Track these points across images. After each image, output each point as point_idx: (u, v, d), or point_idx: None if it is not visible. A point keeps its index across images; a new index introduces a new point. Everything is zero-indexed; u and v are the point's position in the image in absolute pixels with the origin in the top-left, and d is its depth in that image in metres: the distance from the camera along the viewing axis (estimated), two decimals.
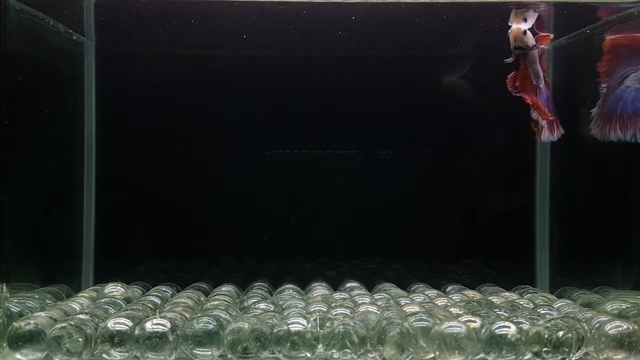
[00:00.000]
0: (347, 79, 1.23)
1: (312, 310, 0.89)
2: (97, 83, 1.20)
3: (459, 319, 0.81)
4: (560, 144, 1.19)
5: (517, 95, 0.99)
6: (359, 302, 0.95)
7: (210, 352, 0.79)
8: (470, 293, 1.04)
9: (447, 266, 1.23)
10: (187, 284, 1.08)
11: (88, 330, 0.79)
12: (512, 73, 0.98)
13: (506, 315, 0.88)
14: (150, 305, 0.91)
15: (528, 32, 0.95)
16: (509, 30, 0.95)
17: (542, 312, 0.89)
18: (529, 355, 0.79)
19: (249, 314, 0.86)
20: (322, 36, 1.14)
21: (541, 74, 0.98)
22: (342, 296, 0.99)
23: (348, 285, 1.08)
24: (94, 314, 0.84)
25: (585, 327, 0.81)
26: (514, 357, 0.78)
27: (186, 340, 0.79)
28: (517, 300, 0.99)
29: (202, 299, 0.99)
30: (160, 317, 0.80)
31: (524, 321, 0.82)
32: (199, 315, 0.84)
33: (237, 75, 1.23)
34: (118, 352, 0.79)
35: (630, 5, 0.96)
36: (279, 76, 1.22)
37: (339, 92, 1.23)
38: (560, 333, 0.79)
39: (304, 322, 0.80)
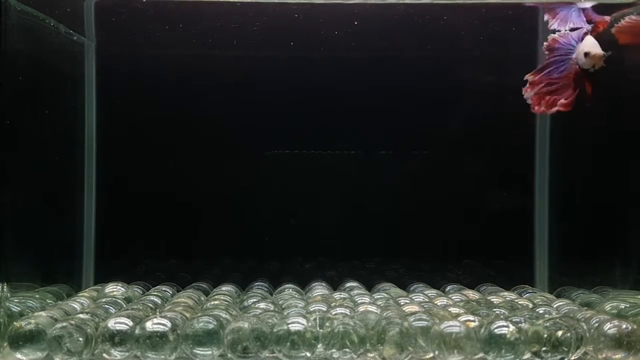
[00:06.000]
0: (348, 79, 1.23)
1: (312, 310, 0.89)
2: (97, 83, 1.20)
3: (458, 319, 0.81)
4: (559, 143, 1.19)
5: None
6: (359, 301, 0.95)
7: (210, 352, 0.80)
8: (469, 293, 1.04)
9: (447, 266, 1.23)
10: (187, 284, 1.09)
11: (88, 330, 0.80)
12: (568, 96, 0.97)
13: (505, 314, 0.88)
14: (150, 305, 0.91)
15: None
16: (588, 53, 0.94)
17: (541, 311, 0.89)
18: (528, 355, 0.79)
19: (249, 313, 0.87)
20: (322, 36, 1.14)
21: None
22: (341, 296, 1.00)
23: (348, 285, 1.08)
24: (95, 313, 0.85)
25: (584, 327, 0.81)
26: (513, 356, 0.78)
27: (186, 340, 0.79)
28: (516, 300, 0.99)
29: (202, 298, 0.99)
30: (161, 317, 0.81)
31: (523, 321, 0.82)
32: (199, 314, 0.84)
33: (237, 75, 1.23)
34: (118, 351, 0.79)
35: (630, 5, 0.96)
36: (279, 76, 1.22)
37: (339, 92, 1.23)
38: (559, 332, 0.79)
39: (304, 321, 0.80)
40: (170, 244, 1.26)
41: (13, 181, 0.93)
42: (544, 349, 0.79)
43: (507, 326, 0.78)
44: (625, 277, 1.04)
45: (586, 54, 0.94)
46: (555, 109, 0.97)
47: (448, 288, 1.09)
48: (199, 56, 1.22)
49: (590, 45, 0.94)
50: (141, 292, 1.04)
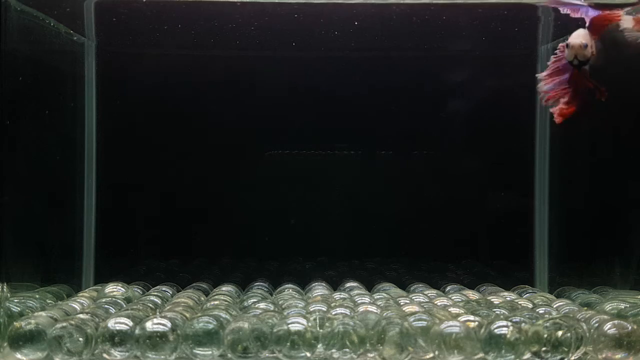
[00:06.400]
0: (347, 79, 1.23)
1: (312, 310, 0.89)
2: (97, 83, 1.20)
3: (458, 319, 0.81)
4: (559, 144, 1.19)
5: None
6: (359, 302, 0.95)
7: (210, 352, 0.80)
8: (469, 293, 1.04)
9: (447, 266, 1.24)
10: (187, 284, 1.09)
11: (88, 330, 0.80)
12: (565, 92, 0.90)
13: (505, 314, 0.88)
14: (150, 305, 0.91)
15: (588, 41, 0.86)
16: (568, 44, 0.87)
17: (541, 311, 0.90)
18: (528, 355, 0.79)
19: (249, 313, 0.87)
20: (322, 36, 1.14)
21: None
22: (341, 296, 1.00)
23: (348, 285, 1.08)
24: (95, 313, 0.85)
25: (584, 327, 0.81)
26: (513, 356, 0.78)
27: (186, 340, 0.79)
28: (516, 300, 0.99)
29: (202, 298, 0.99)
30: (161, 317, 0.81)
31: (523, 321, 0.82)
32: (199, 315, 0.84)
33: (237, 76, 1.23)
34: (118, 351, 0.79)
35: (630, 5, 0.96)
36: (279, 76, 1.23)
37: (339, 92, 1.23)
38: (559, 332, 0.79)
39: (304, 321, 0.80)
40: (170, 244, 1.26)
41: (13, 181, 0.93)
42: (544, 349, 0.79)
43: (507, 326, 0.78)
44: (625, 277, 1.04)
45: (567, 45, 0.87)
46: (559, 112, 0.93)
47: (448, 288, 1.09)
48: (199, 56, 1.22)
49: (573, 36, 0.87)
50: (141, 292, 1.04)
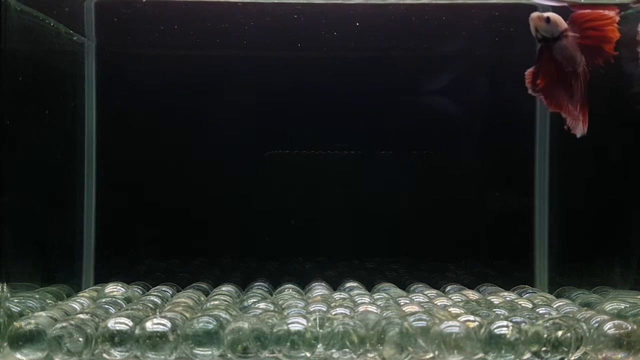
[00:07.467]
0: (347, 79, 1.23)
1: (311, 310, 0.89)
2: (97, 83, 1.20)
3: (458, 319, 0.81)
4: (559, 144, 1.19)
5: (537, 94, 0.89)
6: (359, 302, 0.95)
7: (210, 352, 0.80)
8: (469, 293, 1.04)
9: (447, 266, 1.24)
10: (187, 284, 1.09)
11: (88, 330, 0.80)
12: (532, 68, 0.88)
13: (505, 314, 0.88)
14: (150, 305, 0.91)
15: (554, 19, 0.85)
16: (529, 18, 0.86)
17: (541, 311, 0.90)
18: (528, 355, 0.79)
19: (249, 313, 0.87)
20: (322, 37, 1.14)
21: (577, 62, 0.87)
22: (341, 296, 1.00)
23: (348, 285, 1.08)
24: (95, 313, 0.85)
25: (584, 327, 0.81)
26: (513, 356, 0.78)
27: (186, 340, 0.80)
28: (516, 300, 0.99)
29: (202, 298, 0.99)
30: (161, 317, 0.81)
31: (523, 321, 0.82)
32: (199, 315, 0.84)
33: (237, 76, 1.23)
34: (118, 351, 0.79)
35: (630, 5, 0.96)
36: (279, 76, 1.23)
37: (339, 92, 1.23)
38: (559, 333, 0.79)
39: (304, 321, 0.80)
40: (170, 244, 1.26)
41: (13, 181, 0.93)
42: (544, 349, 0.79)
43: (507, 326, 0.78)
44: (625, 277, 1.04)
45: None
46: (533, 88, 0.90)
47: (448, 288, 1.09)
48: (199, 56, 1.22)
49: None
50: (141, 292, 1.04)
